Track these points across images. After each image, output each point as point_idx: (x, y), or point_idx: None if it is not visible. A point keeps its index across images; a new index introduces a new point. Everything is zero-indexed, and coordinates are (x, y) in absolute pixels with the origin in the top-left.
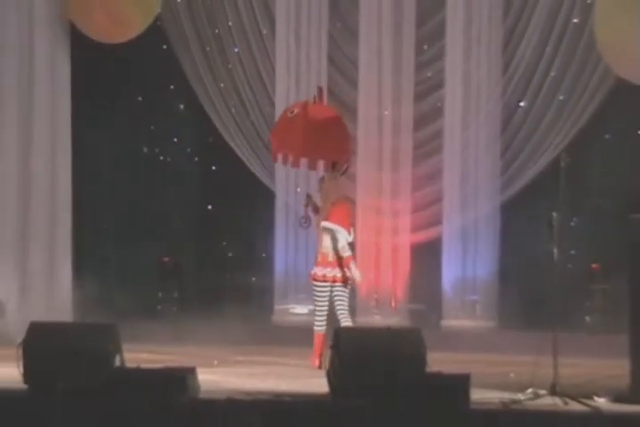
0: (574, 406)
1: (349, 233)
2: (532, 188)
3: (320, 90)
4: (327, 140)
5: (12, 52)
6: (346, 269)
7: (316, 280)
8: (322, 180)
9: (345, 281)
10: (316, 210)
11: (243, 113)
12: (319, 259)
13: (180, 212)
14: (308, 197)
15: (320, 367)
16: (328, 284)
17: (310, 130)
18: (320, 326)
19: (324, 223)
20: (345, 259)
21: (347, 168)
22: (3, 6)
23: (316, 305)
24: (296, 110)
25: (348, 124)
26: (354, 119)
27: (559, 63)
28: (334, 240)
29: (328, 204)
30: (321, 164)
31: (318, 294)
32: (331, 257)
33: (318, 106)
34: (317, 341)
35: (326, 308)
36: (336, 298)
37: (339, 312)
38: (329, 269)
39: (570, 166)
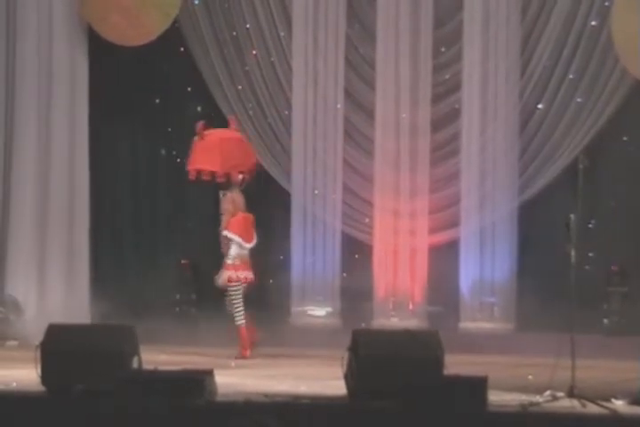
0: (592, 409)
1: (248, 241)
2: (549, 190)
3: (231, 119)
4: (239, 155)
5: (31, 54)
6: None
7: (231, 282)
8: (224, 193)
9: (251, 282)
10: None
11: (260, 115)
12: (232, 264)
13: (197, 214)
14: None
15: (248, 357)
16: (241, 284)
17: (224, 147)
18: (243, 320)
19: (225, 232)
20: (226, 263)
21: (243, 181)
22: (22, 9)
23: (234, 303)
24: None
25: (366, 127)
26: (371, 121)
27: (577, 65)
28: (232, 247)
29: (228, 215)
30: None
31: (235, 293)
32: (238, 261)
33: (223, 130)
34: (246, 333)
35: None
36: (234, 298)
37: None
38: (240, 271)
39: (588, 168)
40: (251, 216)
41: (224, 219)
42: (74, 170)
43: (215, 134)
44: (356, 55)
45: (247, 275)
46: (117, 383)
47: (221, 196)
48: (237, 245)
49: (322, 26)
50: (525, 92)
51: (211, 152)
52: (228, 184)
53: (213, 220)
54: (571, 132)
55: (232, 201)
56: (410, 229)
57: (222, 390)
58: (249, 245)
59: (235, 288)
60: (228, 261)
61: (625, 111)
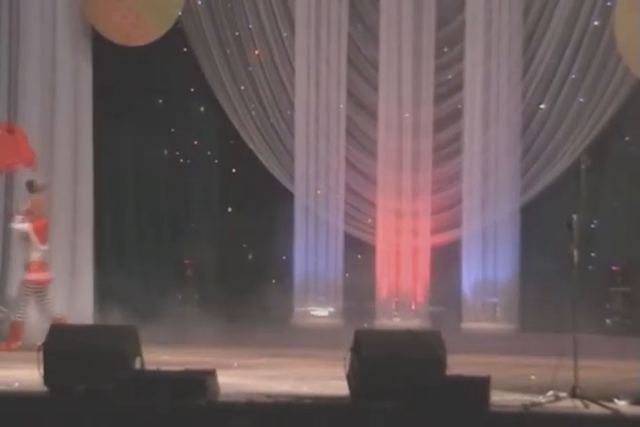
0: (595, 409)
1: (44, 244)
2: (551, 190)
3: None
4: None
5: (35, 56)
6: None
7: (31, 283)
8: (30, 197)
9: (48, 282)
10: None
11: (263, 115)
12: (32, 266)
13: (200, 214)
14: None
15: (15, 349)
16: (37, 286)
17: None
18: (24, 317)
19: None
20: (29, 264)
21: (43, 186)
22: (26, 11)
23: (23, 300)
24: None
25: (369, 127)
26: (374, 121)
27: (579, 65)
28: (32, 249)
29: (35, 218)
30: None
31: (29, 293)
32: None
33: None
34: (19, 329)
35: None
36: (46, 297)
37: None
38: (42, 273)
39: (590, 168)
40: (48, 219)
41: (30, 221)
42: (78, 170)
43: (14, 129)
44: (358, 55)
45: (42, 276)
46: (119, 384)
47: (29, 199)
48: (35, 247)
49: (324, 26)
50: (528, 92)
51: (22, 145)
52: (37, 190)
53: (215, 220)
54: (573, 132)
55: (39, 205)
56: (412, 229)
57: (224, 390)
58: (45, 248)
59: (29, 288)
60: (30, 261)
61: (627, 111)
